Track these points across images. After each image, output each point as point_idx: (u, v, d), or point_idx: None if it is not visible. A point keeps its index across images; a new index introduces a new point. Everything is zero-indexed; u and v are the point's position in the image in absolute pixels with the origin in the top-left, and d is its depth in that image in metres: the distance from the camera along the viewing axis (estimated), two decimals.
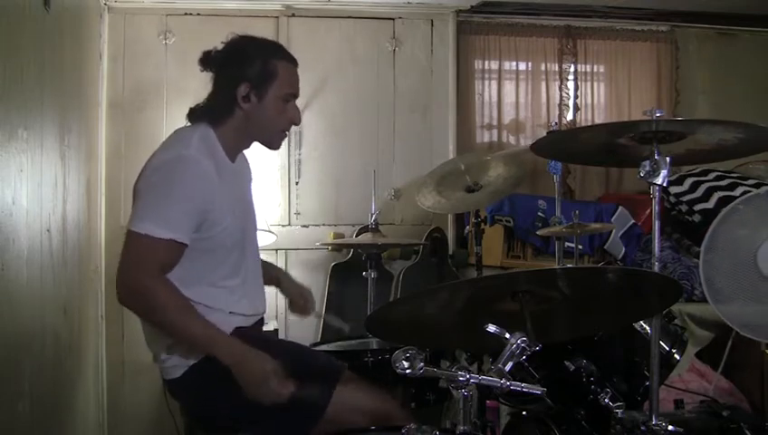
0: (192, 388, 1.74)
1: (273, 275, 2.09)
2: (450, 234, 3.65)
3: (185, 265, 1.69)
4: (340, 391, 1.75)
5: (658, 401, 1.54)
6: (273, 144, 1.88)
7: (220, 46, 1.82)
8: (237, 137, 1.82)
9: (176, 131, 1.83)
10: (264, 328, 2.15)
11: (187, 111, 1.86)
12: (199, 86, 1.87)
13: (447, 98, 3.70)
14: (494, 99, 3.84)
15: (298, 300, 2.09)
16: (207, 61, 1.81)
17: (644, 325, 1.82)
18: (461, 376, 1.20)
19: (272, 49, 1.84)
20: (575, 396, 1.80)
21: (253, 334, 1.82)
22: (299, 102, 1.90)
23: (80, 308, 2.89)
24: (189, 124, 1.84)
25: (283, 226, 3.51)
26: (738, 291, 1.77)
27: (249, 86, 1.77)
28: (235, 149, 1.85)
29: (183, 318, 1.63)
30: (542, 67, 3.88)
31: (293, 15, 3.56)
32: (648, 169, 1.48)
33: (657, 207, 1.54)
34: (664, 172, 1.48)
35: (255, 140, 1.88)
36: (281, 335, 3.31)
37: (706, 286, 1.78)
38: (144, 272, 1.59)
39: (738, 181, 3.22)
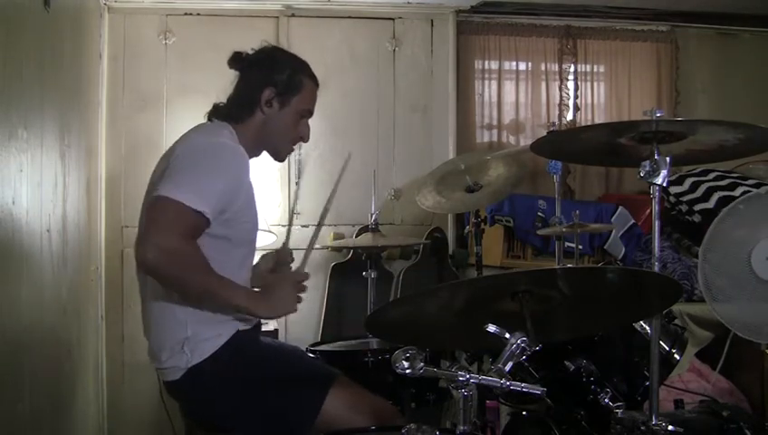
0: (191, 390, 1.74)
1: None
2: (450, 234, 3.65)
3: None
4: (334, 392, 1.75)
5: (658, 401, 1.54)
6: (280, 155, 1.92)
7: (251, 51, 1.87)
8: (252, 141, 1.83)
9: (204, 125, 1.84)
10: (264, 328, 2.15)
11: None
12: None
13: (447, 98, 3.70)
14: (494, 99, 3.84)
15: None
16: (238, 60, 1.86)
17: (644, 325, 1.82)
18: (461, 376, 1.20)
19: (300, 64, 1.90)
20: (575, 396, 1.80)
21: (252, 337, 1.82)
22: None
23: (80, 308, 2.89)
24: (209, 122, 1.86)
25: (283, 226, 3.51)
26: (735, 291, 1.77)
27: (274, 92, 1.82)
28: (249, 153, 1.85)
29: (207, 278, 1.62)
30: (542, 67, 3.88)
31: (293, 15, 3.57)
32: (647, 169, 1.48)
33: (657, 207, 1.54)
34: (664, 172, 1.47)
35: (265, 149, 1.89)
36: (281, 335, 3.31)
37: (704, 287, 1.78)
38: (176, 233, 1.56)
39: (738, 181, 3.22)
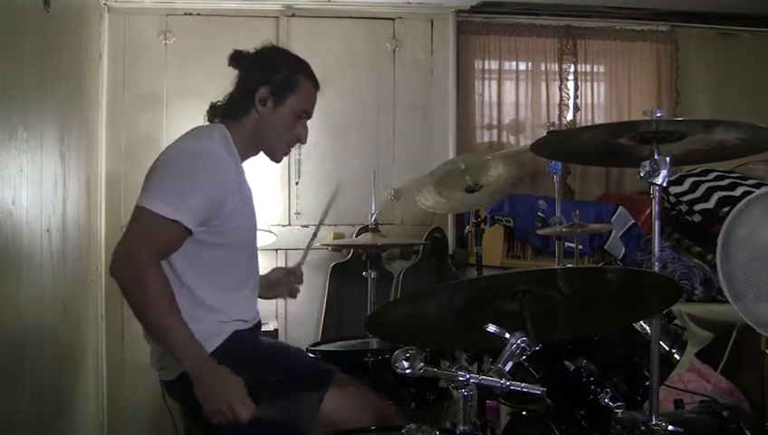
0: (188, 389, 1.73)
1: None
2: (450, 234, 3.65)
3: (198, 264, 1.69)
4: (333, 390, 1.75)
5: (658, 401, 1.54)
6: (275, 155, 1.90)
7: (252, 50, 1.86)
8: (247, 141, 1.83)
9: (196, 128, 1.84)
10: (264, 328, 2.15)
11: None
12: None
13: (447, 98, 3.70)
14: (494, 99, 3.84)
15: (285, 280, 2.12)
16: (237, 58, 1.85)
17: (644, 325, 1.82)
18: (461, 376, 1.20)
19: (300, 64, 1.88)
20: (575, 396, 1.80)
21: (250, 337, 1.83)
22: None
23: (80, 308, 2.89)
24: (207, 122, 1.87)
25: (283, 226, 3.51)
26: (758, 290, 1.77)
27: (269, 90, 1.80)
28: (244, 153, 1.85)
29: (164, 307, 1.56)
30: (542, 67, 3.87)
31: (293, 15, 3.57)
32: (647, 169, 1.48)
33: (657, 207, 1.54)
34: (664, 172, 1.47)
35: (261, 149, 1.88)
36: (281, 335, 3.31)
37: (726, 287, 1.77)
38: (145, 246, 1.56)
39: (738, 181, 3.22)
